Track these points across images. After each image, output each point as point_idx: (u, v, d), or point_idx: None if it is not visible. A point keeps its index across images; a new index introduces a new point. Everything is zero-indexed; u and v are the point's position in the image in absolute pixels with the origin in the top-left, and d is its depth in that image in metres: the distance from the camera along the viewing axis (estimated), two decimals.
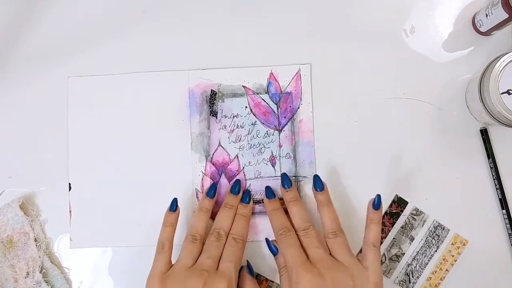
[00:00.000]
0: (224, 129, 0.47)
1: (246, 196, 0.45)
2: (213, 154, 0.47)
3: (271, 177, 0.46)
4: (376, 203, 0.42)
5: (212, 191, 0.45)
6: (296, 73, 0.47)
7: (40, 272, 0.45)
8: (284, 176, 0.45)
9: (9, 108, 0.48)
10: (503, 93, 0.40)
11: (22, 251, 0.45)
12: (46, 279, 0.45)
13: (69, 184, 0.47)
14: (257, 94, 0.47)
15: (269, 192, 0.45)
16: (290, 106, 0.47)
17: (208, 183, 0.46)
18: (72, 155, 0.47)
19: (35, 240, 0.46)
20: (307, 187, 0.46)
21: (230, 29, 0.48)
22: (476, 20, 0.46)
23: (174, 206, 0.44)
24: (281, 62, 0.47)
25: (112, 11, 0.49)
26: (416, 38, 0.47)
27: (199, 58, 0.48)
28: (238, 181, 0.46)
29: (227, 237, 0.43)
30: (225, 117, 0.47)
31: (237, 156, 0.47)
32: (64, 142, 0.47)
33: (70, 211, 0.46)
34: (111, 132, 0.47)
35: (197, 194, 0.46)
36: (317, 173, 0.45)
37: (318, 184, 0.43)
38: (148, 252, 0.44)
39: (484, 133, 0.46)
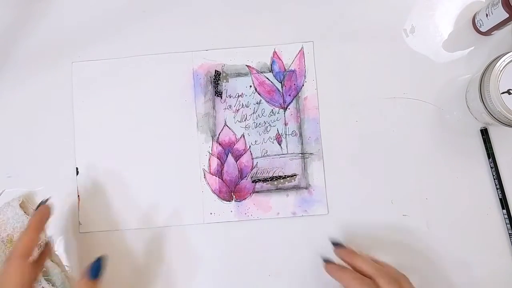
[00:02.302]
0: (229, 109, 0.47)
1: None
2: (219, 134, 0.47)
3: (277, 155, 0.47)
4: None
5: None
6: (299, 51, 0.47)
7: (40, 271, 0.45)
8: (334, 241, 0.42)
9: (8, 108, 0.48)
10: (503, 92, 0.40)
11: None
12: (47, 278, 0.45)
13: (76, 168, 0.47)
14: (261, 73, 0.47)
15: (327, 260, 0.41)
16: (294, 84, 0.47)
17: (215, 163, 0.47)
18: (78, 140, 0.47)
19: None
20: (315, 164, 0.46)
21: (232, 9, 0.48)
22: (476, 20, 0.46)
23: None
24: (284, 40, 0.48)
25: None
26: (416, 38, 0.47)
27: (202, 39, 0.48)
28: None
29: None
30: (230, 97, 0.47)
31: (243, 136, 0.47)
32: (69, 137, 0.47)
33: (78, 196, 0.47)
34: (117, 116, 0.48)
35: (204, 175, 0.47)
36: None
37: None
38: (156, 234, 0.46)
39: (484, 133, 0.46)
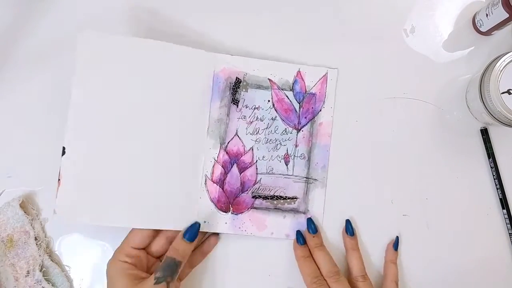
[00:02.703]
0: (243, 119, 0.46)
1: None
2: (228, 143, 0.46)
3: (282, 174, 0.46)
4: (396, 244, 0.45)
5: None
6: (323, 75, 0.47)
7: (40, 270, 0.45)
8: (310, 221, 0.45)
9: (9, 108, 0.48)
10: (503, 92, 0.40)
11: (22, 250, 0.45)
12: (47, 278, 0.45)
13: (63, 148, 0.41)
14: (282, 90, 0.47)
15: (300, 237, 0.45)
16: (312, 107, 0.47)
17: (219, 171, 0.46)
18: (72, 118, 0.41)
19: (36, 239, 0.46)
20: (317, 191, 0.46)
21: (264, 20, 0.48)
22: (476, 20, 0.46)
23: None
24: (310, 62, 0.47)
25: None
26: (416, 38, 0.47)
27: (229, 43, 0.47)
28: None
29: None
30: (246, 107, 0.46)
31: (252, 149, 0.46)
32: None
33: (59, 179, 0.41)
34: (123, 102, 0.43)
35: (205, 181, 0.46)
36: (348, 218, 0.45)
37: (349, 229, 0.45)
38: None
39: (484, 133, 0.46)
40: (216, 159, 0.46)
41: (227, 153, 0.46)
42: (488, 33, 0.46)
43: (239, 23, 0.48)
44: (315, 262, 0.43)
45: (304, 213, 0.46)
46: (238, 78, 0.46)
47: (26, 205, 0.46)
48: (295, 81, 0.47)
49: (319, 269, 0.43)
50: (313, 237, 0.44)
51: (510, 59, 0.40)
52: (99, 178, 0.42)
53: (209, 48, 0.46)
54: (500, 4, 0.41)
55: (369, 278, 0.43)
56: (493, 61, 0.41)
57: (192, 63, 0.45)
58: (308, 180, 0.46)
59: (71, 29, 0.49)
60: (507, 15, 0.41)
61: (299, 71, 0.47)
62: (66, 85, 0.48)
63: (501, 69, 0.40)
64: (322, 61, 0.47)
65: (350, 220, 0.45)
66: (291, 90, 0.47)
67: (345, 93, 0.47)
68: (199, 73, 0.45)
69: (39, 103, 0.48)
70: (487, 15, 0.44)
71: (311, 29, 0.48)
